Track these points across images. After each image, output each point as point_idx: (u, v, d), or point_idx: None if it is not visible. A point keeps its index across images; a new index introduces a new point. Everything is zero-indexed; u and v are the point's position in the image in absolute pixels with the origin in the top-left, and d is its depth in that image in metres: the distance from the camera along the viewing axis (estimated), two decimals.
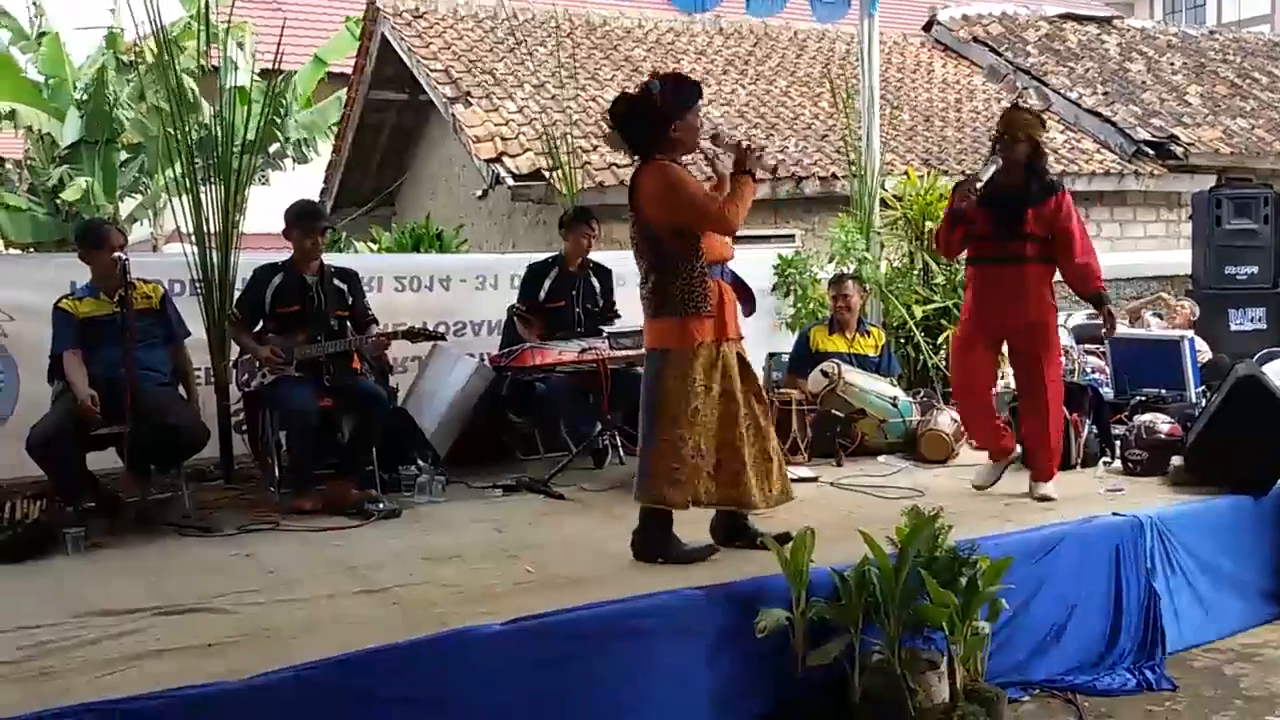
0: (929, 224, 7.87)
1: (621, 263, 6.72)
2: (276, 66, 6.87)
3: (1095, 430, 5.77)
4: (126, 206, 14.63)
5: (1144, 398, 6.15)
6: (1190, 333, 7.03)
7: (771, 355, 7.38)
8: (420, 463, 5.56)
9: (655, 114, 3.97)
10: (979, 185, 4.93)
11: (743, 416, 4.05)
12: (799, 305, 7.79)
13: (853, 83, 8.86)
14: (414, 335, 5.34)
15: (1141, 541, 4.53)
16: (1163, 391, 6.19)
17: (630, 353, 5.76)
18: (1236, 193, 9.23)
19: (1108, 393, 6.42)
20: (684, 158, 4.11)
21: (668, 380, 3.97)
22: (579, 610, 3.43)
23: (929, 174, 8.35)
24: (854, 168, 8.20)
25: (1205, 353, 7.18)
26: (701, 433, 3.97)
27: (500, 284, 6.80)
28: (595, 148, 10.14)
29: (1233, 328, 8.76)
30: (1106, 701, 4.10)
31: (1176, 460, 5.25)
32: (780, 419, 6.05)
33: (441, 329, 6.54)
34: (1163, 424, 5.55)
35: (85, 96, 13.57)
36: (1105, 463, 5.66)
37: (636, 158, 4.09)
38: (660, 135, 3.98)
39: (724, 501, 4.09)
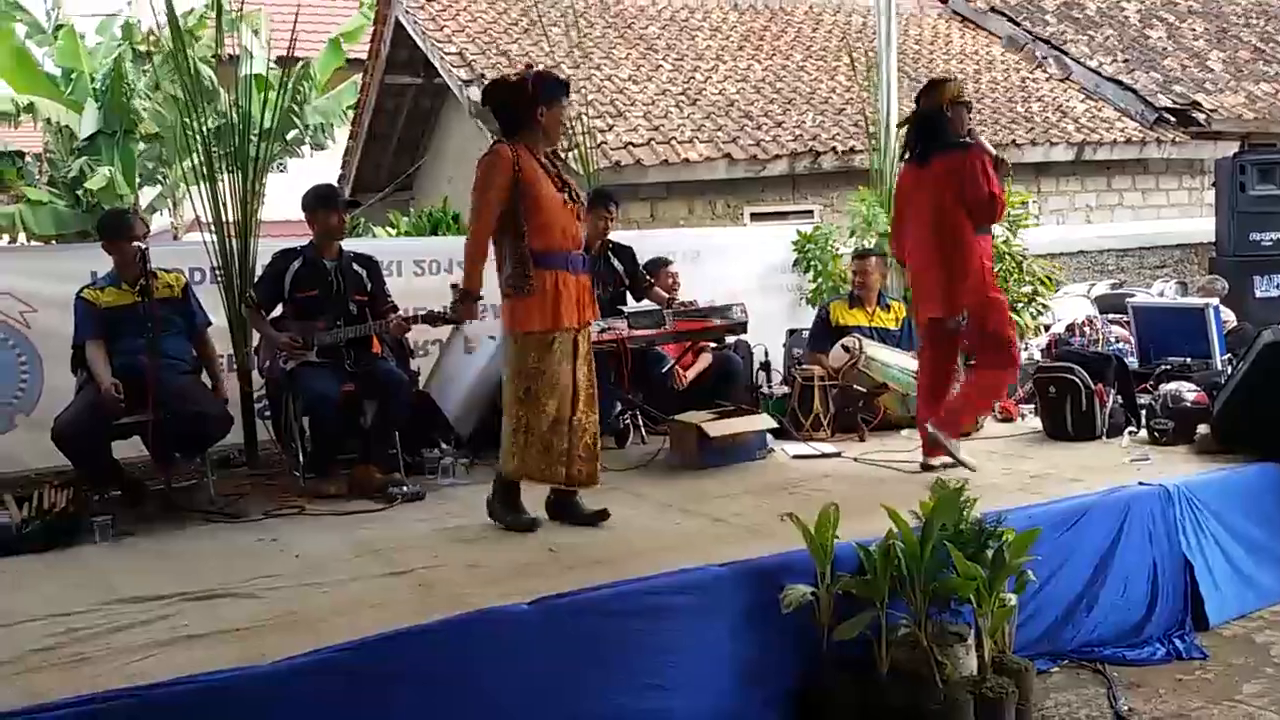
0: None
1: (638, 241, 6.74)
2: (291, 53, 6.86)
3: (1120, 400, 5.73)
4: (146, 196, 14.71)
5: (1169, 366, 6.10)
6: (1215, 300, 6.97)
7: (791, 332, 7.37)
8: (443, 445, 5.58)
9: (524, 98, 4.24)
10: None
11: (576, 399, 4.26)
12: (819, 281, 7.76)
13: (870, 55, 8.79)
14: (434, 319, 5.34)
15: (1170, 511, 4.50)
16: (1188, 360, 6.14)
17: (650, 332, 5.76)
18: (1260, 158, 9.14)
19: (1132, 362, 6.37)
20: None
21: (510, 359, 4.28)
22: (603, 589, 3.43)
23: None
24: (873, 141, 8.14)
25: (1230, 320, 7.11)
26: (535, 411, 4.20)
27: None
28: (611, 127, 10.11)
29: (1258, 294, 8.69)
30: (1136, 671, 4.08)
31: (1203, 428, 5.22)
32: (802, 394, 6.06)
33: None
34: (1188, 392, 5.50)
35: (103, 88, 13.61)
36: (1131, 432, 5.61)
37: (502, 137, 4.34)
38: (525, 117, 4.25)
39: (549, 480, 4.32)
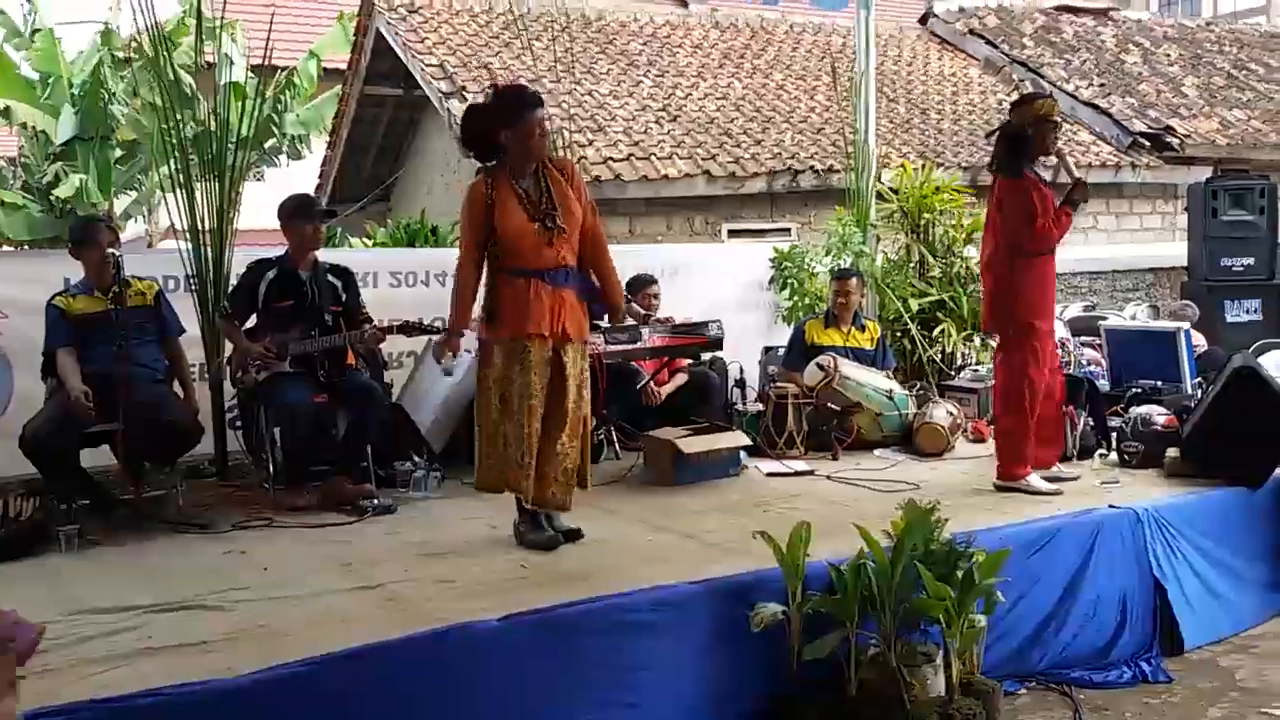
0: (925, 216, 7.87)
1: (617, 257, 6.73)
2: (267, 62, 6.83)
3: (1091, 422, 5.77)
4: (121, 203, 14.58)
5: (1140, 389, 6.14)
6: (1186, 324, 7.03)
7: (767, 349, 7.39)
8: (416, 459, 5.56)
9: (483, 124, 4.24)
10: None
11: (559, 420, 4.22)
12: (795, 299, 7.78)
13: (849, 76, 8.84)
14: (409, 329, 5.32)
15: (1140, 533, 4.53)
16: (1159, 383, 6.19)
17: (625, 348, 5.77)
18: (1233, 184, 9.24)
19: (1104, 384, 6.42)
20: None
21: (481, 370, 4.27)
22: (575, 605, 3.43)
23: (925, 167, 8.34)
24: (850, 161, 8.19)
25: (1201, 344, 7.18)
26: (502, 420, 4.17)
27: None
28: (591, 142, 10.13)
29: (1228, 319, 8.77)
30: (1103, 695, 4.10)
31: (1173, 452, 5.26)
32: (776, 412, 6.08)
33: (438, 324, 6.53)
34: (1159, 415, 5.54)
35: (80, 93, 13.52)
36: (1101, 454, 5.65)
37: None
38: (490, 144, 4.22)
39: (519, 491, 4.24)
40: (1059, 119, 5.19)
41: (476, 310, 4.35)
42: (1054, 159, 5.17)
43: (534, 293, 4.16)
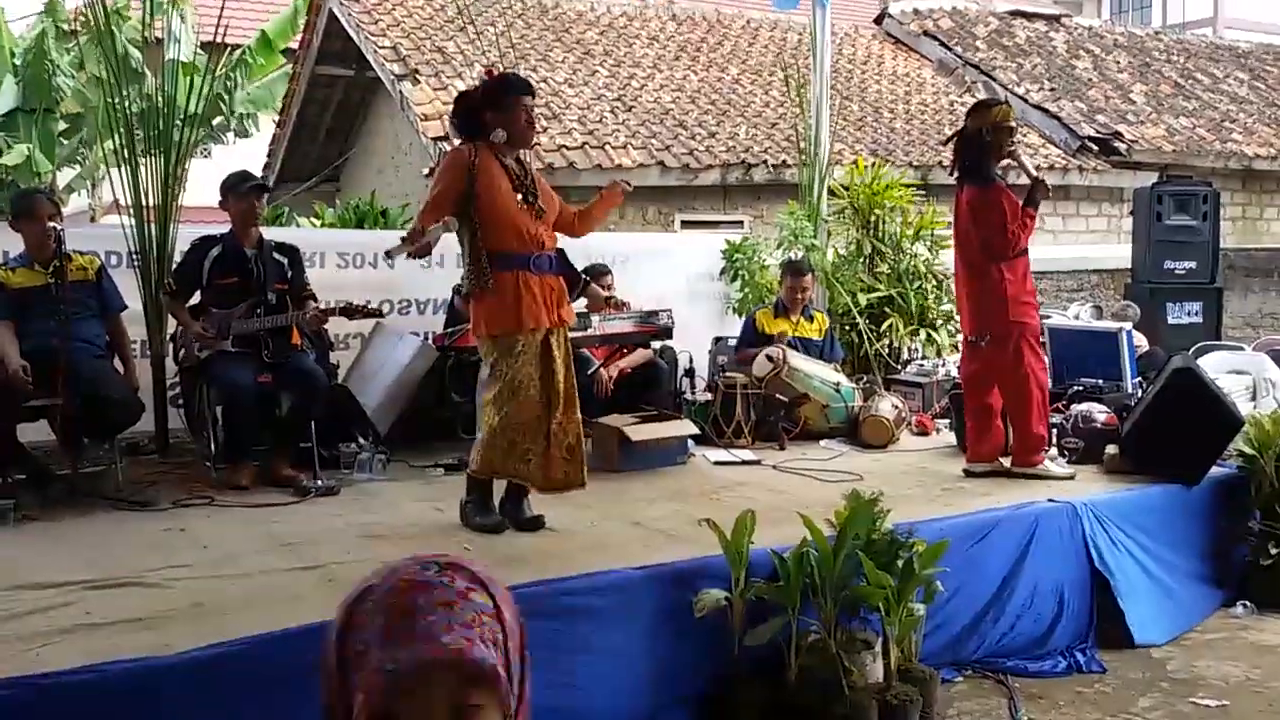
0: (875, 213, 7.94)
1: (568, 243, 6.72)
2: (219, 40, 6.74)
3: None
4: (64, 177, 14.31)
5: (1082, 388, 6.23)
6: (1128, 325, 7.15)
7: (718, 340, 7.41)
8: (361, 440, 5.52)
9: (471, 103, 4.27)
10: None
11: (554, 402, 4.21)
12: (746, 291, 7.82)
13: (804, 72, 8.88)
14: (352, 312, 5.28)
15: (1078, 527, 4.60)
16: (1100, 382, 6.28)
17: (577, 334, 5.75)
18: (1177, 189, 9.40)
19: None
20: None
21: (483, 360, 4.27)
22: (517, 589, 3.41)
23: (876, 164, 8.41)
24: (803, 156, 8.23)
25: (1142, 345, 7.30)
26: (502, 411, 4.13)
27: (446, 263, 6.70)
28: (545, 129, 10.09)
29: (1170, 321, 8.92)
30: (1038, 683, 4.17)
31: (1111, 449, 5.35)
32: (725, 402, 6.10)
33: (385, 307, 6.50)
34: (1099, 414, 5.63)
35: (23, 63, 13.24)
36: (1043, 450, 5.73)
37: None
38: (473, 121, 4.23)
39: (513, 476, 4.26)
40: (1014, 124, 5.27)
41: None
42: (1009, 161, 5.24)
43: (524, 286, 4.14)
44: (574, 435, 4.27)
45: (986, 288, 5.15)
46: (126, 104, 6.01)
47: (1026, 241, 5.16)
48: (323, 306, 5.24)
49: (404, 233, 4.19)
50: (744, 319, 7.02)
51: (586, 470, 4.33)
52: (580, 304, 5.96)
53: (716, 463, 5.66)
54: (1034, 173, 5.29)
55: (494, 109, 4.18)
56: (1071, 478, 5.07)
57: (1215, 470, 5.15)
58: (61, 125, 13.91)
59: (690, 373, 6.95)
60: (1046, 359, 5.67)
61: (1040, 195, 5.19)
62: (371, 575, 1.08)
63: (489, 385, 4.20)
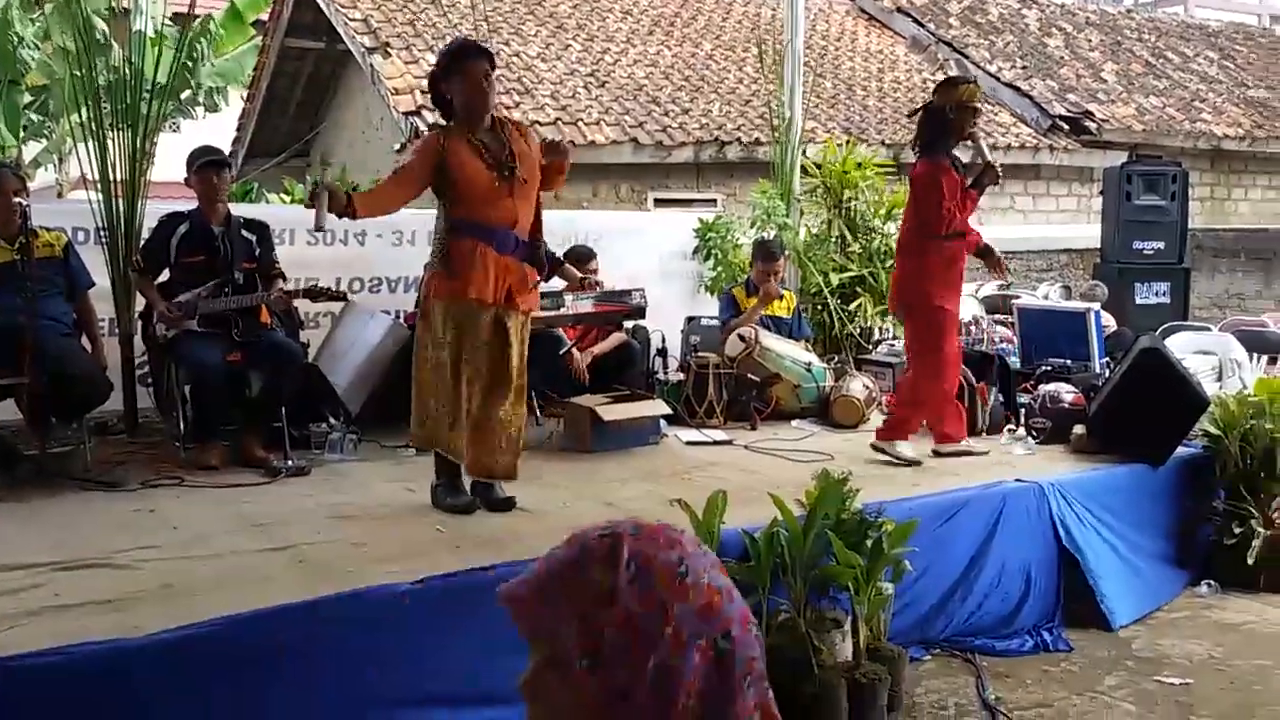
0: (848, 192, 7.95)
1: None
2: (190, 11, 6.65)
3: (1001, 398, 5.90)
4: (30, 151, 14.13)
5: (1050, 367, 6.29)
6: (1097, 305, 7.21)
7: (690, 319, 7.41)
8: (332, 420, 5.49)
9: (433, 81, 4.26)
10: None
11: (501, 388, 4.20)
12: (719, 270, 7.82)
13: (778, 48, 8.87)
14: (316, 294, 5.24)
15: (1045, 507, 4.65)
16: (1068, 362, 6.34)
17: (548, 314, 5.74)
18: (1147, 169, 9.47)
19: (1015, 362, 6.55)
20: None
21: (419, 329, 4.24)
22: (488, 569, 3.42)
23: (849, 143, 8.42)
24: (776, 134, 8.22)
25: (1110, 325, 7.36)
26: (438, 381, 4.14)
27: (418, 240, 6.66)
28: (517, 104, 10.04)
29: (1138, 301, 9.00)
30: (1005, 662, 4.22)
31: (1079, 429, 5.39)
32: (697, 382, 6.11)
33: (356, 285, 6.47)
34: (1066, 394, 5.68)
35: None
36: (1010, 430, 5.78)
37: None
38: (438, 98, 4.24)
39: (453, 453, 4.23)
40: (979, 105, 5.29)
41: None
42: (968, 142, 5.26)
43: (479, 256, 4.09)
44: (516, 427, 4.26)
45: (914, 265, 5.18)
46: (93, 76, 5.93)
47: (964, 223, 5.15)
48: (288, 288, 5.20)
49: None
50: (723, 297, 7.01)
51: (519, 463, 4.32)
52: (556, 283, 5.96)
53: (688, 443, 5.67)
54: (989, 157, 5.29)
55: (448, 78, 4.16)
56: (918, 464, 5.06)
57: (1181, 450, 5.21)
58: (27, 98, 13.72)
59: (663, 352, 6.94)
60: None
61: (988, 180, 5.20)
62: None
63: (427, 349, 4.16)
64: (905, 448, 5.15)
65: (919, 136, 5.24)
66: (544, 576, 1.04)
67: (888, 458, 5.12)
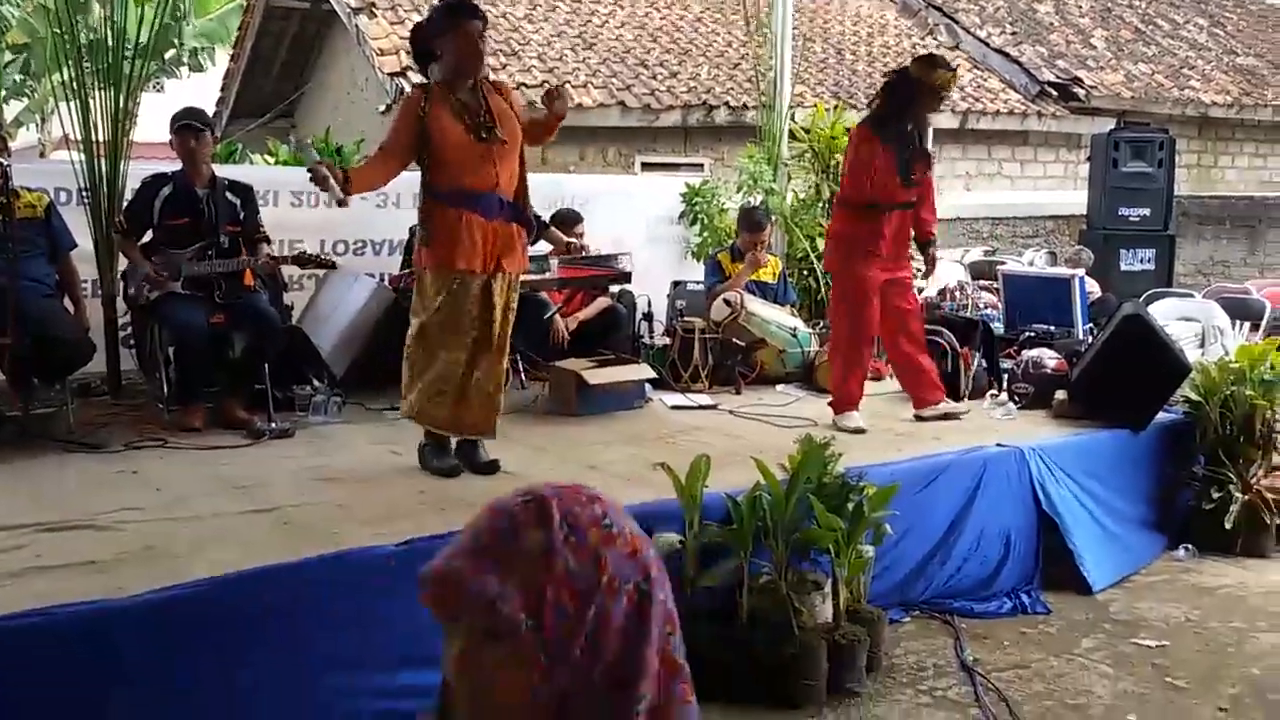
0: (835, 157, 7.92)
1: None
2: None
3: (984, 363, 5.93)
4: (11, 110, 14.02)
5: (1033, 333, 6.31)
6: (1081, 271, 7.24)
7: (676, 284, 7.41)
8: (316, 383, 5.48)
9: (419, 37, 4.23)
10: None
11: (482, 348, 4.16)
12: (705, 235, 7.81)
13: (766, 12, 8.81)
14: (304, 261, 5.21)
15: (1025, 471, 4.68)
16: (1052, 328, 6.36)
17: (533, 278, 5.73)
18: (1134, 136, 9.48)
19: (999, 327, 6.58)
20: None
21: (413, 298, 4.23)
22: None
23: (838, 107, 8.39)
24: (764, 98, 8.19)
25: (1095, 291, 7.39)
26: (427, 351, 4.14)
27: (402, 203, 6.63)
28: (504, 66, 9.97)
29: (1123, 267, 9.04)
30: (983, 624, 4.27)
31: (1061, 394, 5.43)
32: (682, 346, 6.12)
33: (340, 248, 6.44)
34: (1049, 359, 5.71)
35: None
36: (993, 395, 5.81)
37: None
38: (424, 53, 4.22)
39: (430, 423, 4.24)
40: (947, 95, 5.32)
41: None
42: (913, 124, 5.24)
43: (465, 225, 4.06)
44: (494, 383, 4.24)
45: (834, 229, 5.35)
46: (75, 35, 5.86)
47: (884, 199, 5.09)
48: (276, 253, 5.17)
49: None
50: (708, 261, 6.99)
51: (498, 420, 4.30)
52: (542, 246, 5.94)
53: (673, 407, 5.69)
54: (927, 148, 5.39)
55: (439, 35, 4.11)
56: (862, 431, 5.07)
57: (1162, 416, 5.26)
58: (8, 56, 13.60)
59: (649, 317, 6.95)
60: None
61: (918, 169, 5.19)
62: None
63: (416, 319, 4.16)
64: (852, 419, 5.16)
65: (875, 99, 5.26)
66: (475, 550, 1.05)
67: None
